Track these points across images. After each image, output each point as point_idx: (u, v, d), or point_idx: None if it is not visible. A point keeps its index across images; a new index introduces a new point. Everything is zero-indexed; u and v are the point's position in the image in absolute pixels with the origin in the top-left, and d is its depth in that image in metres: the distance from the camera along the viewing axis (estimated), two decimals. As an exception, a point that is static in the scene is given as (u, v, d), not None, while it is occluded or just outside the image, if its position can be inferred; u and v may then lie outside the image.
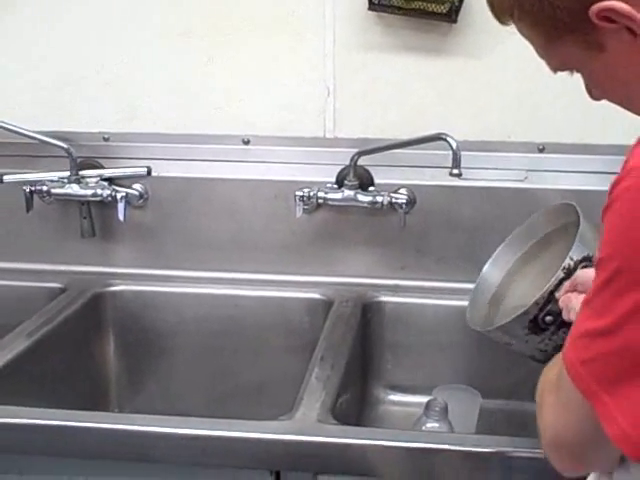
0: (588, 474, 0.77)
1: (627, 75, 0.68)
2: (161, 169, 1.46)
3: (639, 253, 0.60)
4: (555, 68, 0.75)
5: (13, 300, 1.46)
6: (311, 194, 1.38)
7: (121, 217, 1.43)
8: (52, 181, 1.45)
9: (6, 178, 1.46)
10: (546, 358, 1.13)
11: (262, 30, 1.40)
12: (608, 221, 0.63)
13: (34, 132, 1.43)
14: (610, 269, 0.62)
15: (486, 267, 1.26)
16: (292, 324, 1.40)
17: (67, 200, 1.46)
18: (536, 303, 1.02)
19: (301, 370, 1.16)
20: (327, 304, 1.38)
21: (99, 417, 1.05)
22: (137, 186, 1.46)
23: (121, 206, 1.43)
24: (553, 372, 0.71)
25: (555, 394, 0.70)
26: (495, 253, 1.25)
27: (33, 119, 1.47)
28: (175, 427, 1.00)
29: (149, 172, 1.45)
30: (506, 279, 1.25)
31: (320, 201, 1.39)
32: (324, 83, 1.41)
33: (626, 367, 0.62)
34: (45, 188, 1.45)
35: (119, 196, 1.43)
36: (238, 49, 1.42)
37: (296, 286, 1.43)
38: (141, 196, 1.46)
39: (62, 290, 1.44)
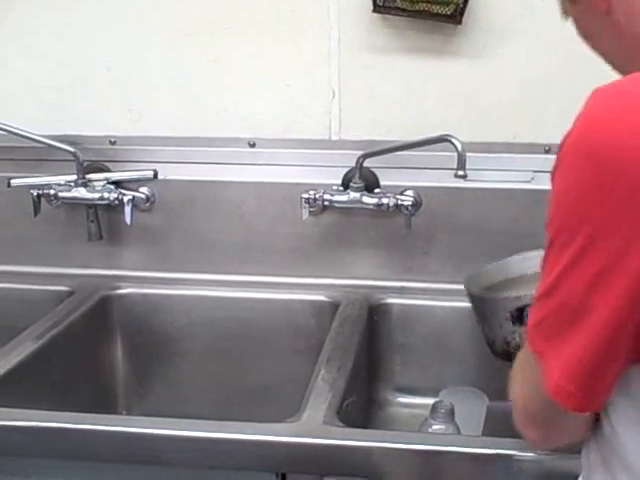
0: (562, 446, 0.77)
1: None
2: (167, 172, 1.47)
3: (574, 212, 0.60)
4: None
5: (21, 303, 1.47)
6: (317, 196, 1.38)
7: (128, 220, 1.44)
8: (59, 185, 1.46)
9: (13, 182, 1.47)
10: (503, 351, 1.14)
11: (267, 32, 1.41)
12: (554, 181, 0.64)
13: (41, 136, 1.43)
14: (551, 231, 0.63)
15: (518, 256, 1.26)
16: (298, 326, 1.41)
17: (74, 204, 1.47)
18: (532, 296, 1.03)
19: (307, 372, 1.16)
20: (334, 306, 1.38)
21: (106, 420, 1.05)
22: (144, 189, 1.47)
23: (128, 209, 1.44)
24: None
25: (521, 365, 0.72)
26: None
27: (40, 123, 1.48)
28: (181, 429, 1.00)
29: (155, 175, 1.45)
30: (526, 278, 1.25)
31: (326, 203, 1.39)
32: (329, 85, 1.41)
33: (565, 321, 0.63)
34: (52, 192, 1.45)
35: (126, 199, 1.44)
36: (243, 51, 1.42)
37: (302, 288, 1.43)
38: (148, 199, 1.47)
39: (70, 293, 1.45)
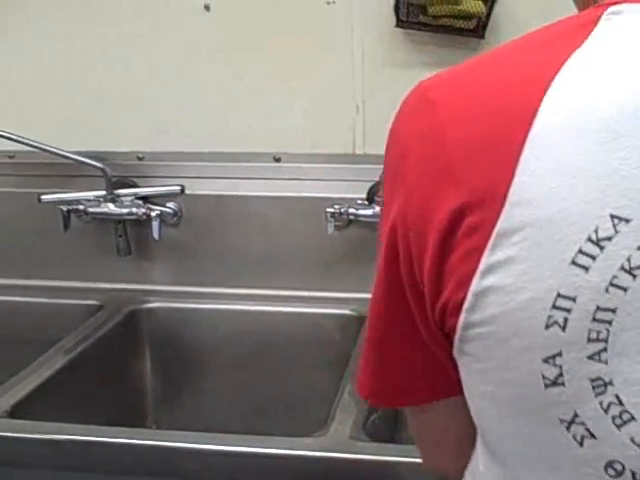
0: None
1: None
2: (194, 187, 1.48)
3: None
4: None
5: (52, 317, 1.49)
6: (342, 210, 1.39)
7: (156, 235, 1.45)
8: (88, 200, 1.48)
9: (44, 198, 1.49)
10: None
11: (292, 48, 1.42)
12: None
13: (70, 152, 1.46)
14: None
15: None
16: (324, 340, 1.41)
17: (103, 219, 1.49)
18: None
19: (333, 386, 1.17)
20: (359, 320, 1.38)
21: (136, 433, 1.06)
22: (171, 204, 1.49)
23: (156, 224, 1.45)
24: None
25: None
26: None
27: (69, 139, 1.50)
28: (208, 443, 1.01)
29: (182, 190, 1.47)
30: None
31: (351, 217, 1.40)
32: (353, 100, 1.42)
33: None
34: (82, 207, 1.48)
35: (153, 214, 1.46)
36: (268, 67, 1.44)
37: (328, 302, 1.44)
38: (175, 214, 1.49)
39: (99, 307, 1.47)
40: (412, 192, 0.54)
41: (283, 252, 1.47)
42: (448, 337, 0.55)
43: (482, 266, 0.50)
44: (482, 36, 1.32)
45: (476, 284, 0.50)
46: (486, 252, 0.50)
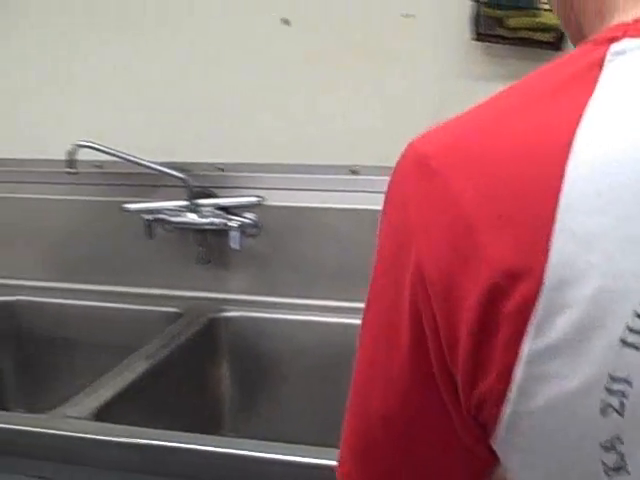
0: None
1: None
2: (273, 198, 1.51)
3: None
4: None
5: (134, 323, 1.54)
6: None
7: (235, 245, 1.49)
8: (170, 210, 1.53)
9: (128, 207, 1.55)
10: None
11: (371, 59, 1.43)
12: None
13: (154, 163, 1.51)
14: None
15: None
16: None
17: (184, 228, 1.53)
18: None
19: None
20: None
21: (211, 440, 1.09)
22: (250, 215, 1.52)
23: (235, 234, 1.49)
24: None
25: None
26: None
27: (154, 151, 1.55)
28: (282, 453, 1.03)
29: (261, 202, 1.50)
30: None
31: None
32: (431, 112, 1.43)
33: None
34: (164, 217, 1.52)
35: (233, 225, 1.49)
36: (348, 78, 1.46)
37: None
38: (254, 225, 1.52)
39: (179, 315, 1.51)
40: (433, 278, 0.49)
41: (357, 264, 1.47)
42: (483, 426, 0.51)
43: (525, 354, 0.46)
44: (561, 48, 1.31)
45: (520, 374, 0.46)
46: (527, 339, 0.46)
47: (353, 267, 1.48)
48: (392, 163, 1.53)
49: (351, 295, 1.47)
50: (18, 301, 1.64)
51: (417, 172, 0.52)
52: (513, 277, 0.46)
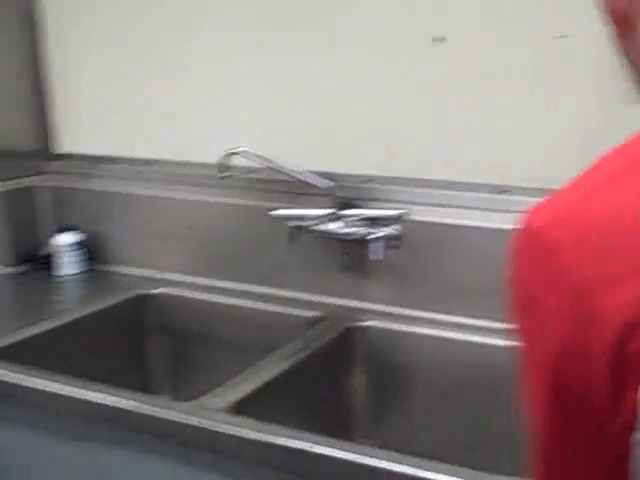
0: None
1: None
2: (417, 213, 1.52)
3: None
4: None
5: (273, 324, 1.59)
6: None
7: (378, 256, 1.50)
8: (315, 218, 1.56)
9: (272, 213, 1.60)
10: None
11: (524, 80, 1.42)
12: None
13: (303, 172, 1.55)
14: None
15: None
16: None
17: (327, 237, 1.56)
18: None
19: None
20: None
21: (343, 446, 1.09)
22: (393, 227, 1.53)
23: (376, 246, 1.50)
24: None
25: None
26: None
27: (305, 159, 1.60)
28: (412, 466, 1.03)
29: (404, 215, 1.51)
30: None
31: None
32: (584, 136, 1.39)
33: None
34: (308, 224, 1.56)
35: (374, 236, 1.51)
36: (498, 98, 1.45)
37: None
38: (396, 237, 1.52)
39: (319, 319, 1.54)
40: (559, 344, 0.55)
41: (499, 284, 1.45)
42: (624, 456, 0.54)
43: None
44: None
45: None
46: None
47: (495, 287, 1.45)
48: (543, 185, 1.49)
49: (491, 315, 1.46)
50: (162, 294, 1.72)
51: (531, 247, 0.57)
52: (633, 326, 0.50)
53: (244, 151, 1.53)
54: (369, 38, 1.54)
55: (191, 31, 1.71)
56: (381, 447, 1.21)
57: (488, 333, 1.44)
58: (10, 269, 1.85)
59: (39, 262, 1.87)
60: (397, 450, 1.09)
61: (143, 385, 1.70)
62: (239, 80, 1.68)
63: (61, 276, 1.82)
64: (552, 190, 1.46)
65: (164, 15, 1.73)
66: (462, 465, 1.04)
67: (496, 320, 1.45)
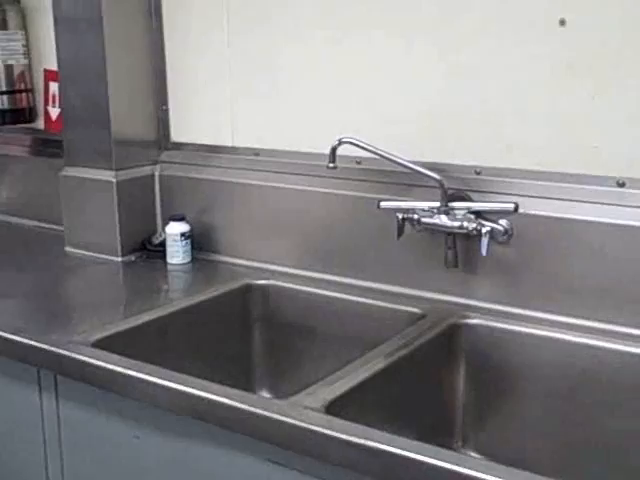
0: None
1: None
2: (529, 206, 1.44)
3: None
4: None
5: (377, 319, 1.56)
6: (690, 247, 1.25)
7: (483, 252, 1.44)
8: (423, 210, 1.51)
9: (383, 204, 1.56)
10: None
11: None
12: None
13: (411, 162, 1.50)
14: None
15: None
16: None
17: (434, 230, 1.51)
18: None
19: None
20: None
21: (438, 453, 1.03)
22: (503, 222, 1.46)
23: (485, 241, 1.44)
24: None
25: None
26: None
27: (414, 150, 1.55)
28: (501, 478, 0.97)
29: (516, 209, 1.44)
30: None
31: (700, 255, 1.26)
32: None
33: None
34: (416, 216, 1.51)
35: (484, 230, 1.44)
36: (624, 86, 1.35)
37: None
38: (505, 232, 1.46)
39: (422, 316, 1.50)
40: None
41: (618, 284, 1.36)
42: None
43: None
44: None
45: None
46: None
47: (611, 287, 1.37)
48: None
49: (605, 316, 1.38)
50: (270, 285, 1.72)
51: None
52: None
53: (353, 140, 1.49)
54: (481, 25, 1.47)
55: (306, 25, 1.69)
56: (480, 453, 1.17)
57: (602, 336, 1.35)
58: (126, 257, 1.90)
59: (153, 250, 1.91)
60: (494, 456, 1.04)
61: (246, 375, 1.72)
62: (350, 70, 1.65)
63: (172, 264, 1.85)
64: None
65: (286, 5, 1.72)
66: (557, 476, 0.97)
67: (610, 322, 1.37)
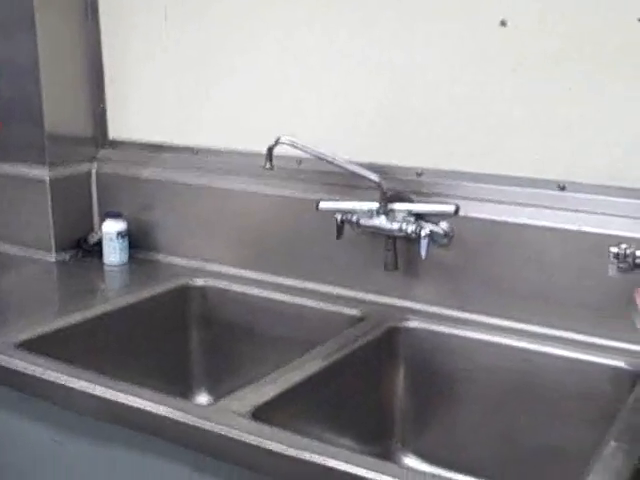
0: None
1: None
2: (470, 209, 1.43)
3: None
4: None
5: (315, 320, 1.53)
6: (628, 252, 1.24)
7: (423, 254, 1.42)
8: (362, 211, 1.48)
9: (321, 205, 1.53)
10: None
11: (594, 66, 1.31)
12: None
13: (351, 163, 1.47)
14: None
15: None
16: (589, 392, 1.27)
17: (374, 232, 1.48)
18: None
19: (591, 445, 1.05)
20: (633, 376, 1.23)
21: (379, 466, 0.98)
22: (443, 224, 1.44)
23: (424, 243, 1.42)
24: None
25: None
26: None
27: (357, 151, 1.53)
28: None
29: (457, 211, 1.42)
30: None
31: (637, 261, 1.24)
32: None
33: None
34: (355, 218, 1.48)
35: (423, 233, 1.42)
36: (567, 89, 1.33)
37: (599, 350, 1.29)
38: (446, 235, 1.44)
39: (361, 318, 1.47)
40: None
41: (557, 289, 1.35)
42: None
43: None
44: None
45: None
46: None
47: (549, 290, 1.36)
48: (606, 182, 1.38)
49: (543, 320, 1.37)
50: (209, 286, 1.68)
51: None
52: None
53: (291, 141, 1.46)
54: (424, 27, 1.45)
55: (245, 20, 1.65)
56: (419, 455, 1.13)
57: (539, 339, 1.34)
58: (60, 255, 1.84)
59: (89, 250, 1.85)
60: (433, 459, 1.01)
61: (183, 378, 1.68)
62: (292, 69, 1.61)
63: (109, 264, 1.80)
64: (616, 188, 1.34)
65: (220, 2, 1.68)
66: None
67: (548, 326, 1.36)
